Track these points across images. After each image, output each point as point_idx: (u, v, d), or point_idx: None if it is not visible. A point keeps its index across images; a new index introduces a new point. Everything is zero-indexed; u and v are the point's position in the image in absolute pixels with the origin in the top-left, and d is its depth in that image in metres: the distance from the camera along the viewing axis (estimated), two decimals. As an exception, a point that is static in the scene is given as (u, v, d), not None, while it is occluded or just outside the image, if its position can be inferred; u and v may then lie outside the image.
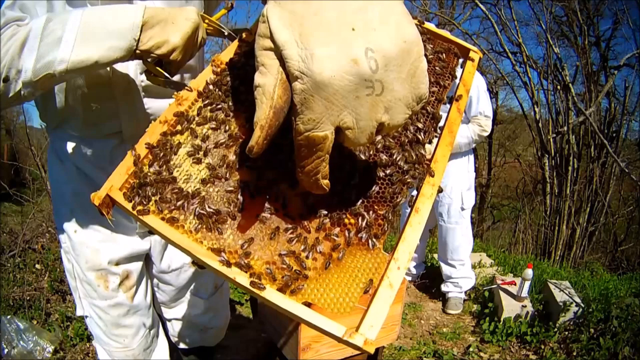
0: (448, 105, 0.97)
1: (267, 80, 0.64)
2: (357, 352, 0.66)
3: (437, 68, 1.00)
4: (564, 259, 6.92)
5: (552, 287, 3.53)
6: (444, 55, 1.03)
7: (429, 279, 4.17)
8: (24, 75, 0.99)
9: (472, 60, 1.05)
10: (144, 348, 1.63)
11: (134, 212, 0.76)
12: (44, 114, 1.37)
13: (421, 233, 0.76)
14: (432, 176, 0.83)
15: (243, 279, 0.70)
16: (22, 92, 1.01)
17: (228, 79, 0.92)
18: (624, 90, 7.59)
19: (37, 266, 3.66)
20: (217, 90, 0.91)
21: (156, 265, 1.61)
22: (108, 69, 1.22)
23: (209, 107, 0.89)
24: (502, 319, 3.34)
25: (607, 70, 7.68)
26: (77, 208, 1.40)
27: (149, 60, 1.05)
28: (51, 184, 1.49)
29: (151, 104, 1.33)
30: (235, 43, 0.97)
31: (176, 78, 1.09)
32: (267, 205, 0.81)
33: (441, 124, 0.93)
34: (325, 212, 0.81)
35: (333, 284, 0.73)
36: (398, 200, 0.80)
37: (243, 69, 0.92)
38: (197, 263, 0.74)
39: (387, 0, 0.63)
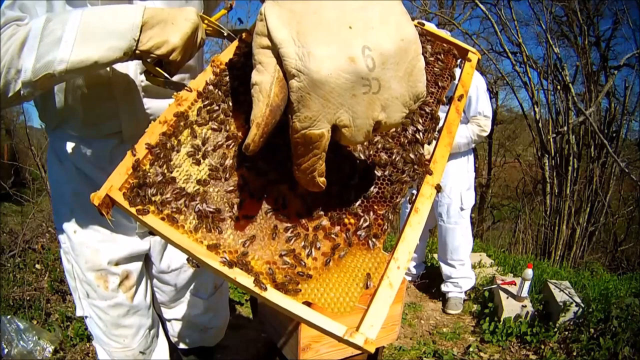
0: (447, 106, 0.97)
1: (264, 78, 0.64)
2: (358, 351, 0.67)
3: (436, 69, 1.01)
4: (564, 259, 6.92)
5: (552, 287, 3.53)
6: (442, 56, 1.04)
7: (429, 279, 4.17)
8: (23, 75, 0.99)
9: (471, 61, 1.05)
10: (143, 348, 1.63)
11: (134, 212, 0.76)
12: (44, 114, 1.37)
13: (421, 233, 0.76)
14: (432, 176, 0.83)
15: (244, 278, 0.70)
16: (21, 92, 1.01)
17: (227, 79, 0.92)
18: (624, 90, 7.60)
19: (37, 266, 3.65)
20: (216, 90, 0.91)
21: (156, 266, 1.61)
22: (108, 69, 1.21)
23: (208, 108, 0.89)
24: (502, 319, 3.34)
25: (607, 70, 7.68)
26: (76, 208, 1.40)
27: (149, 60, 1.05)
28: (51, 184, 1.49)
29: (151, 104, 1.33)
30: (235, 43, 0.97)
31: (176, 78, 1.09)
32: (267, 205, 0.81)
33: (440, 124, 0.93)
34: (325, 212, 0.81)
35: (333, 284, 0.73)
36: (397, 200, 0.81)
37: (242, 69, 0.92)
38: (193, 260, 0.74)
39: (385, 1, 0.63)
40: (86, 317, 1.56)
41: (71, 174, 1.39)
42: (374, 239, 0.78)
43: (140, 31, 1.00)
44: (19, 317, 2.82)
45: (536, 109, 7.53)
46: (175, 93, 0.90)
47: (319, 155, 0.66)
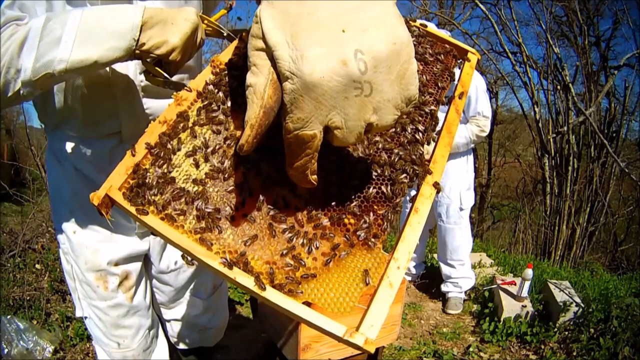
0: (447, 106, 0.98)
1: (258, 80, 0.65)
2: (358, 352, 0.67)
3: (435, 69, 1.01)
4: (564, 259, 6.92)
5: (552, 287, 3.53)
6: (442, 56, 1.04)
7: (429, 279, 4.17)
8: (23, 74, 0.99)
9: (470, 61, 1.05)
10: (143, 348, 1.63)
11: (133, 212, 0.76)
12: (43, 114, 1.37)
13: (420, 233, 0.76)
14: (431, 176, 0.83)
15: (243, 278, 0.70)
16: (21, 92, 1.01)
17: (227, 79, 0.92)
18: (624, 90, 7.61)
19: (37, 266, 3.65)
20: (216, 90, 0.91)
21: (155, 266, 1.60)
22: (107, 69, 1.21)
23: (208, 108, 0.89)
24: (502, 319, 3.34)
25: (607, 70, 7.68)
26: (76, 209, 1.40)
27: (148, 60, 1.05)
28: (50, 185, 1.49)
29: (150, 104, 1.33)
30: (235, 43, 0.97)
31: (175, 79, 1.09)
32: (267, 205, 0.81)
33: (440, 124, 0.93)
34: (325, 213, 0.81)
35: (333, 284, 0.73)
36: (397, 200, 0.81)
37: (242, 69, 0.92)
38: (188, 257, 0.74)
39: (379, 3, 0.64)
40: (86, 317, 1.55)
41: (70, 175, 1.39)
42: (373, 239, 0.78)
43: (140, 31, 1.00)
44: (19, 317, 2.82)
45: (536, 109, 7.53)
46: (174, 93, 0.90)
47: (311, 155, 0.68)
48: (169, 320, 1.82)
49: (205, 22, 1.13)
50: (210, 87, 0.91)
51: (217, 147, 0.86)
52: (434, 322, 3.67)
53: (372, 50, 0.61)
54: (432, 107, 0.94)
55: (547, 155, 7.58)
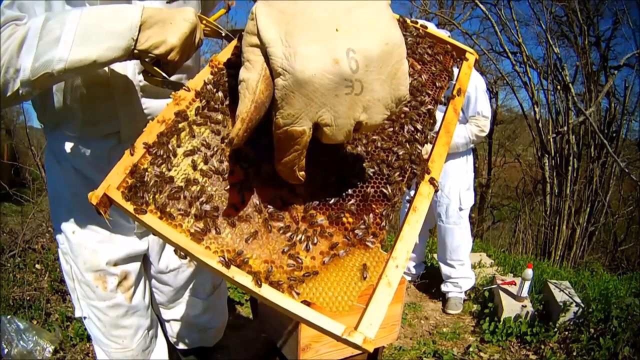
0: (445, 106, 0.98)
1: (251, 76, 0.67)
2: (358, 351, 0.67)
3: (434, 69, 1.01)
4: (564, 259, 6.92)
5: (552, 287, 3.53)
6: (440, 56, 1.05)
7: (429, 279, 4.17)
8: (22, 74, 0.99)
9: (468, 60, 1.06)
10: (142, 348, 1.63)
11: (132, 211, 0.76)
12: (42, 114, 1.37)
13: (419, 232, 0.77)
14: (430, 175, 0.83)
15: (242, 277, 0.70)
16: (20, 92, 1.01)
17: (225, 79, 0.92)
18: (624, 90, 7.60)
19: (37, 266, 3.65)
20: (214, 90, 0.91)
21: (154, 266, 1.60)
22: (106, 68, 1.22)
23: (206, 107, 0.89)
24: (502, 319, 3.33)
25: (607, 70, 7.68)
26: (75, 209, 1.40)
27: (147, 60, 1.06)
28: (49, 185, 1.49)
29: (149, 104, 1.33)
30: (233, 43, 0.98)
31: (173, 78, 1.10)
32: (265, 204, 0.81)
33: (438, 124, 0.93)
34: (324, 212, 0.81)
35: (332, 283, 0.73)
36: (396, 199, 0.81)
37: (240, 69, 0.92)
38: (181, 252, 0.74)
39: (373, 3, 0.65)
40: (85, 317, 1.55)
41: (69, 175, 1.39)
42: (372, 238, 0.78)
43: (139, 31, 1.00)
44: (19, 317, 2.82)
45: (536, 109, 7.53)
46: (173, 93, 0.90)
47: (300, 152, 0.69)
48: (168, 321, 1.82)
49: (204, 22, 1.14)
50: (209, 86, 0.92)
51: (215, 146, 0.86)
52: (434, 322, 3.67)
53: (364, 50, 0.62)
54: (430, 107, 0.94)
55: (547, 155, 7.58)
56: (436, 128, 0.93)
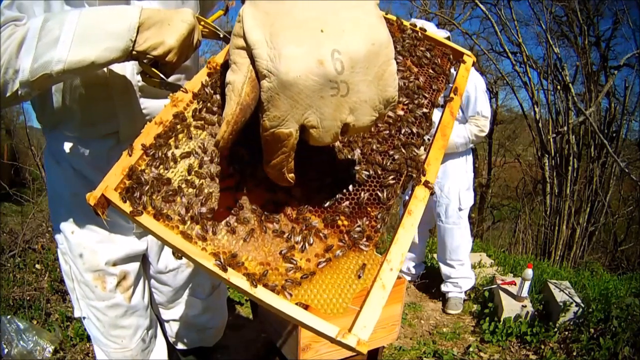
0: (442, 109, 0.98)
1: (237, 78, 0.67)
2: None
3: (431, 72, 1.01)
4: (564, 259, 6.92)
5: (552, 287, 3.53)
6: (438, 59, 1.04)
7: (429, 279, 4.17)
8: (21, 75, 0.99)
9: (465, 63, 1.06)
10: (142, 348, 1.63)
11: (129, 213, 0.76)
12: (41, 114, 1.37)
13: (414, 235, 0.77)
14: (426, 179, 0.83)
15: (237, 279, 0.70)
16: (19, 92, 1.01)
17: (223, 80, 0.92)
18: (624, 90, 7.60)
19: (37, 266, 3.65)
20: (212, 92, 0.91)
21: (153, 266, 1.61)
22: (105, 69, 1.22)
23: (204, 109, 0.89)
24: (502, 319, 3.33)
25: (607, 70, 7.68)
26: (74, 209, 1.40)
27: (145, 61, 1.06)
28: (48, 185, 1.49)
29: (148, 104, 1.34)
30: None
31: (171, 79, 1.10)
32: (261, 206, 0.82)
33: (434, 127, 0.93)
34: (319, 214, 0.81)
35: (326, 285, 0.74)
36: (391, 202, 0.81)
37: None
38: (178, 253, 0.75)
39: (359, 3, 0.64)
40: (84, 317, 1.56)
41: (68, 175, 1.39)
42: (367, 241, 0.78)
43: (137, 32, 1.00)
44: (19, 317, 2.82)
45: (536, 109, 7.53)
46: (171, 94, 0.90)
47: (288, 154, 0.68)
48: (167, 321, 1.82)
49: (202, 23, 1.14)
50: (206, 88, 0.92)
51: (212, 148, 0.86)
52: (434, 322, 3.67)
53: (349, 51, 0.61)
54: (427, 110, 0.94)
55: (547, 155, 7.58)
56: (432, 131, 0.93)
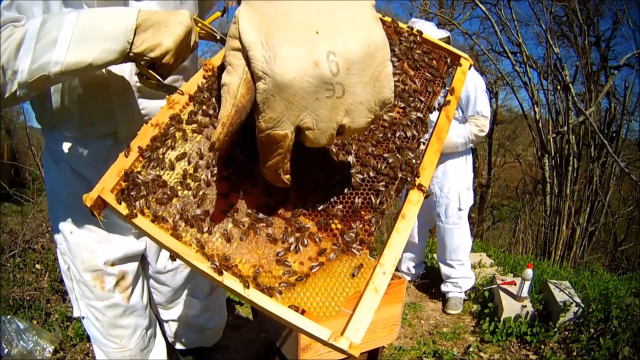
0: (438, 112, 0.98)
1: (232, 80, 0.67)
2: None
3: (427, 75, 1.01)
4: (564, 259, 6.92)
5: (552, 287, 3.53)
6: (434, 62, 1.04)
7: (429, 279, 4.17)
8: (19, 76, 1.00)
9: (462, 66, 1.05)
10: (141, 348, 1.63)
11: (124, 214, 0.76)
12: (40, 114, 1.38)
13: (407, 239, 0.77)
14: (420, 183, 0.83)
15: (230, 281, 0.70)
16: (17, 93, 1.02)
17: (219, 83, 0.93)
18: (624, 90, 7.60)
19: (37, 266, 3.66)
20: (208, 94, 0.91)
21: (152, 266, 1.61)
22: (103, 69, 1.22)
23: (200, 112, 0.90)
24: (502, 319, 3.34)
25: (607, 70, 7.68)
26: (73, 209, 1.40)
27: (142, 63, 1.06)
28: (47, 185, 1.49)
29: (146, 104, 1.34)
30: None
31: (170, 79, 1.10)
32: (256, 209, 0.82)
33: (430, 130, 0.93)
34: (312, 218, 0.82)
35: (319, 289, 0.74)
36: (384, 206, 0.81)
37: None
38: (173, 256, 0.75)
39: (355, 4, 0.64)
40: (83, 317, 1.56)
41: (67, 175, 1.39)
42: (359, 245, 0.78)
43: (134, 34, 1.00)
44: (19, 317, 2.83)
45: (536, 109, 7.53)
46: (167, 96, 0.91)
47: (283, 155, 0.68)
48: (166, 321, 1.82)
49: (199, 25, 1.14)
50: (202, 90, 0.92)
51: (208, 151, 0.86)
52: (434, 322, 3.67)
53: (344, 52, 0.61)
54: (422, 113, 0.94)
55: (547, 155, 7.58)
56: (427, 135, 0.93)
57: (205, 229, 0.78)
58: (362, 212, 0.81)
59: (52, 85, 1.22)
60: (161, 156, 0.84)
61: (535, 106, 7.51)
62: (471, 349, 3.17)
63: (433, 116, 0.97)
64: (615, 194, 8.18)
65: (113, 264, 1.47)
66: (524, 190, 9.95)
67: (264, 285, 0.71)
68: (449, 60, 1.06)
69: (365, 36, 0.63)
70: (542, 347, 3.12)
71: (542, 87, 7.76)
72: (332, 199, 0.82)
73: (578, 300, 3.32)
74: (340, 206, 0.82)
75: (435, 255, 4.26)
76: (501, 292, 3.56)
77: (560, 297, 3.36)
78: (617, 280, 4.26)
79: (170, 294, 1.71)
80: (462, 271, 3.70)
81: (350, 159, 0.87)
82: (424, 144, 0.91)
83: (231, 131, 0.67)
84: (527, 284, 3.38)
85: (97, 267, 1.45)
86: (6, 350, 2.61)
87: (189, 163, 0.85)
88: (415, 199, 0.81)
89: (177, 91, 0.91)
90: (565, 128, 7.19)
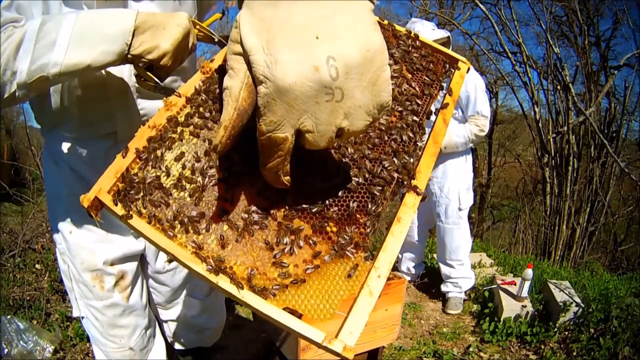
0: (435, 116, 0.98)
1: (234, 83, 0.68)
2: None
3: (425, 78, 1.01)
4: (564, 259, 6.91)
5: (552, 287, 3.53)
6: (432, 65, 1.04)
7: (429, 279, 4.17)
8: (18, 76, 1.00)
9: (460, 69, 1.05)
10: (140, 348, 1.64)
11: (120, 216, 0.77)
12: (40, 115, 1.38)
13: (402, 242, 0.77)
14: (416, 185, 0.84)
15: (225, 283, 0.71)
16: (16, 94, 1.02)
17: (216, 85, 0.93)
18: (624, 90, 7.60)
19: (37, 266, 3.66)
20: (205, 97, 0.92)
21: (151, 266, 1.61)
22: (102, 70, 1.22)
23: (196, 114, 0.90)
24: (502, 319, 3.34)
25: (607, 70, 7.67)
26: (72, 209, 1.41)
27: (140, 65, 1.06)
28: (46, 185, 1.50)
29: (145, 105, 1.34)
30: (225, 50, 0.98)
31: (169, 79, 1.10)
32: (251, 211, 0.82)
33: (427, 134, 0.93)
34: (308, 220, 0.82)
35: (314, 291, 0.74)
36: (380, 210, 0.81)
37: None
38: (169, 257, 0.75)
39: (355, 8, 0.65)
40: (83, 317, 1.56)
41: (66, 175, 1.40)
42: (354, 248, 0.78)
43: (133, 36, 1.01)
44: (19, 317, 2.83)
45: (536, 109, 7.53)
46: (164, 98, 0.91)
47: (283, 157, 0.70)
48: (166, 321, 1.83)
49: (197, 27, 1.14)
50: (200, 93, 0.92)
51: (205, 152, 0.86)
52: (434, 322, 3.67)
53: (344, 57, 0.62)
54: (419, 117, 0.94)
55: (547, 155, 7.57)
56: (424, 138, 0.93)
57: (201, 231, 0.78)
58: (358, 216, 0.81)
59: (51, 86, 1.22)
60: (158, 158, 0.84)
61: (535, 106, 7.51)
62: (471, 349, 3.17)
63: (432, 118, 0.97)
64: (615, 194, 8.18)
65: (112, 264, 1.47)
66: (524, 190, 9.96)
67: (258, 287, 0.72)
68: (447, 63, 1.07)
69: (364, 41, 0.63)
70: (542, 347, 3.12)
71: (542, 87, 7.76)
72: (327, 202, 0.83)
73: (578, 300, 3.32)
74: (336, 209, 0.82)
75: (435, 255, 4.26)
76: (501, 292, 3.56)
77: (560, 297, 3.36)
78: (617, 280, 4.26)
79: (169, 294, 1.71)
80: (462, 271, 3.70)
81: (347, 162, 0.87)
82: (420, 147, 0.91)
83: (233, 134, 0.68)
84: (527, 284, 3.38)
85: (97, 266, 1.45)
86: (6, 350, 2.62)
87: (186, 165, 0.85)
88: (411, 202, 0.82)
89: (175, 93, 0.92)
90: (565, 128, 7.19)
